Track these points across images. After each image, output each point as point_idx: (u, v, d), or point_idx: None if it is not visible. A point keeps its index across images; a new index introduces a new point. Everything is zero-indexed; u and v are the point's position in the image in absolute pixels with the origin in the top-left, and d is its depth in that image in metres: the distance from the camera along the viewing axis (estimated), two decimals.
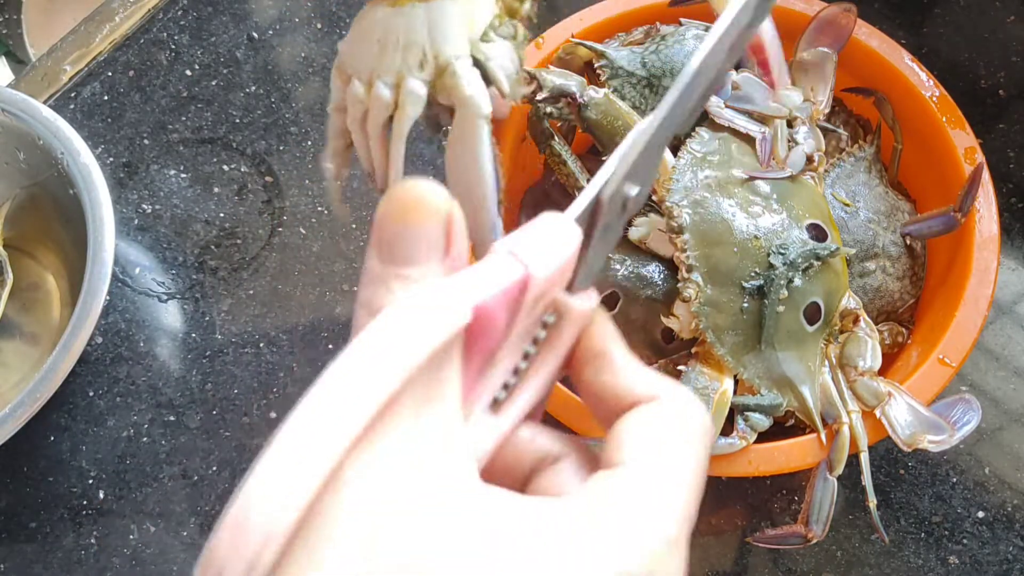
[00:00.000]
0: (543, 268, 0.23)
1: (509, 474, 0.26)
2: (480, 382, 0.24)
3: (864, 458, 0.45)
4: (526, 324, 0.24)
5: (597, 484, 0.22)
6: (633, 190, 0.26)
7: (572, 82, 0.51)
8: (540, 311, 0.25)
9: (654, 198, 0.49)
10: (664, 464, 0.23)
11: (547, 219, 0.24)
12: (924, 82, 0.54)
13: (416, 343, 0.19)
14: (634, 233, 0.51)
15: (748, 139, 0.50)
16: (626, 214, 0.26)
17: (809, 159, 0.50)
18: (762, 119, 0.50)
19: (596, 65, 0.53)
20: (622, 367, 0.26)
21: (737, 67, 0.52)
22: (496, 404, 0.25)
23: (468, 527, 0.20)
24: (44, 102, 0.68)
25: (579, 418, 0.45)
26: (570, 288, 0.25)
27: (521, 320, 0.23)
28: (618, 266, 0.53)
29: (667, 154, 0.49)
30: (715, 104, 0.49)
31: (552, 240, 0.24)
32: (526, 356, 0.25)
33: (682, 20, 0.55)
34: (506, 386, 0.25)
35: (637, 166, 0.25)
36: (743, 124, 0.50)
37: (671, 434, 0.24)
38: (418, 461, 0.20)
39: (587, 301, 0.26)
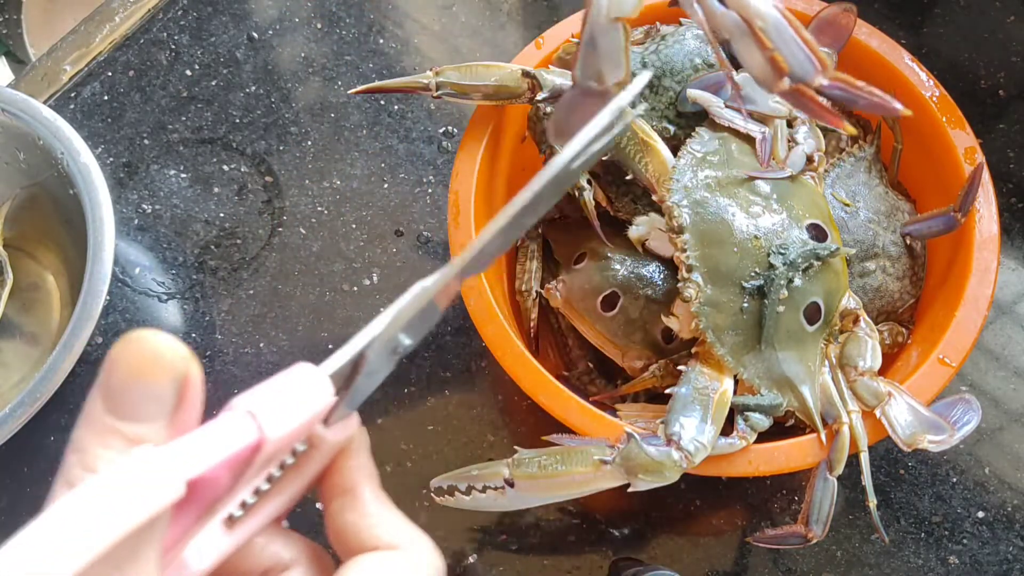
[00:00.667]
0: (280, 430, 0.22)
1: None
2: (202, 513, 0.23)
3: (864, 458, 0.45)
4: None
5: None
6: (407, 340, 0.25)
7: (571, 82, 0.51)
8: (282, 453, 0.24)
9: (654, 198, 0.49)
10: None
11: (300, 375, 0.23)
12: (924, 82, 0.54)
13: (114, 525, 0.18)
14: (634, 233, 0.51)
15: (748, 139, 0.50)
16: (397, 356, 0.26)
17: (809, 159, 0.50)
18: (762, 119, 0.50)
19: None
20: (369, 510, 0.25)
21: (737, 67, 0.52)
22: (231, 520, 0.24)
23: None
24: (44, 102, 0.68)
25: (580, 417, 0.45)
26: (327, 420, 0.25)
27: (255, 469, 0.23)
28: (618, 266, 0.53)
29: (667, 154, 0.49)
30: (715, 104, 0.49)
31: (298, 401, 0.23)
32: (270, 478, 0.25)
33: (682, 20, 0.55)
34: (244, 504, 0.24)
35: (413, 320, 0.25)
36: (743, 124, 0.50)
37: None
38: None
39: (342, 431, 0.25)
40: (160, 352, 0.21)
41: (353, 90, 0.56)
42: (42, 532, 0.18)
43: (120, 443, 0.21)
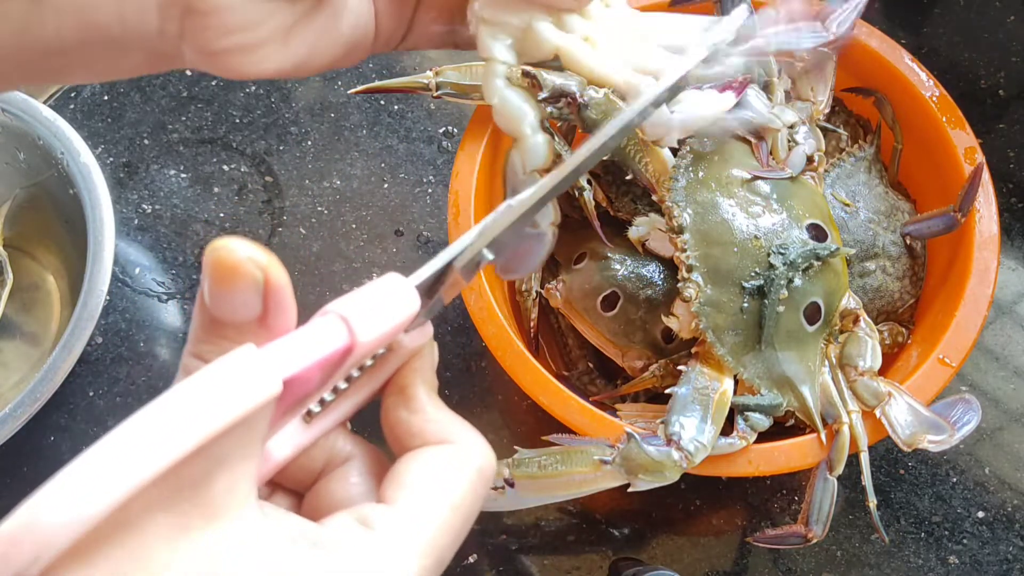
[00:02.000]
0: (370, 335, 0.23)
1: (303, 470, 0.27)
2: (292, 408, 0.24)
3: (864, 458, 0.45)
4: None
5: (359, 515, 0.24)
6: (490, 255, 0.27)
7: (572, 82, 0.51)
8: (366, 356, 0.26)
9: (654, 198, 0.49)
10: (428, 512, 0.25)
11: (389, 284, 0.25)
12: (924, 82, 0.54)
13: (211, 417, 0.20)
14: (634, 233, 0.51)
15: (748, 139, 0.50)
16: (478, 270, 0.27)
17: (809, 159, 0.50)
18: (762, 130, 0.50)
19: None
20: (420, 407, 0.27)
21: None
22: (309, 415, 0.26)
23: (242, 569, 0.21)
24: (44, 102, 0.68)
25: (580, 417, 0.45)
26: (407, 327, 0.26)
27: (343, 371, 0.24)
28: (618, 266, 0.53)
29: (667, 154, 0.49)
30: None
31: (388, 308, 0.24)
32: (349, 378, 0.26)
33: None
34: (322, 401, 0.26)
35: (500, 237, 0.27)
36: (739, 129, 0.50)
37: (446, 482, 0.25)
38: (208, 513, 0.21)
39: (420, 337, 0.27)
40: (237, 261, 0.22)
41: (353, 90, 0.56)
42: (148, 418, 0.19)
43: (222, 341, 0.23)
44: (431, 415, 0.27)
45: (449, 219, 0.51)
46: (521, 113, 0.37)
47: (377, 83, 0.55)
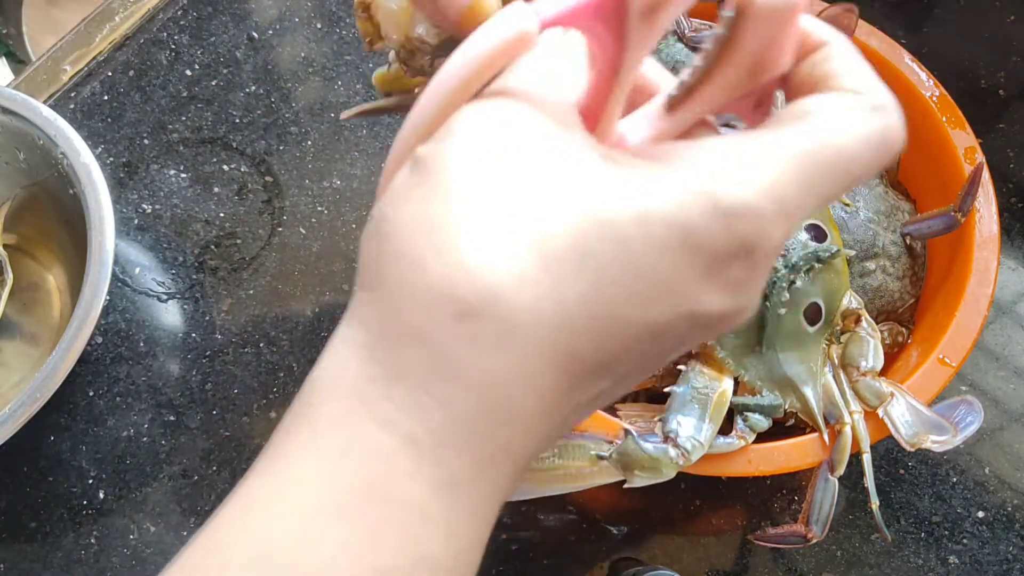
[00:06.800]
0: None
1: None
2: (614, 77, 0.24)
3: (867, 459, 0.45)
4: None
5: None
6: None
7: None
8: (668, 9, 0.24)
9: None
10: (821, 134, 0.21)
11: None
12: (924, 82, 0.54)
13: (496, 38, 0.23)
14: None
15: None
16: None
17: None
18: None
19: None
20: (845, 56, 0.23)
21: None
22: (671, 102, 0.25)
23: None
24: (44, 102, 0.68)
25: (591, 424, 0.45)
26: None
27: (638, 26, 0.23)
28: None
29: None
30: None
31: None
32: (707, 56, 0.24)
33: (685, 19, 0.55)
34: (682, 84, 0.24)
35: None
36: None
37: (843, 114, 0.22)
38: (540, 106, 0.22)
39: None
40: None
41: (345, 114, 0.54)
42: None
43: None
44: (853, 65, 0.22)
45: None
46: None
47: (370, 105, 0.53)
